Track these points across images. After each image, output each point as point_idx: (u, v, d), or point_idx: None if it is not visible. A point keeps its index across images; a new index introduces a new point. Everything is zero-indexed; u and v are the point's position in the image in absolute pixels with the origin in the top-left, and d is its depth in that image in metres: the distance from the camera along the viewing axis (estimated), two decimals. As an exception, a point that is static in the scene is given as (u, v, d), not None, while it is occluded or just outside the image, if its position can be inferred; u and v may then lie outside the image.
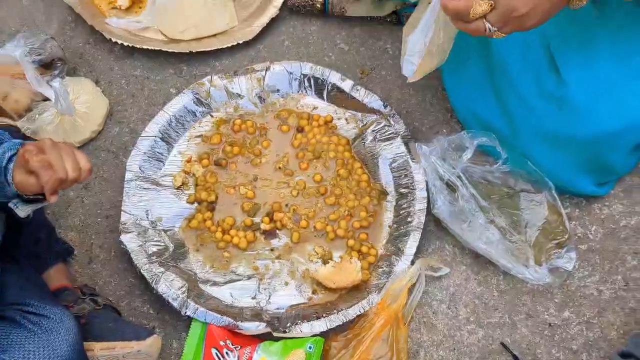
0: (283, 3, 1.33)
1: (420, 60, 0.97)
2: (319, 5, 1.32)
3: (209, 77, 1.24)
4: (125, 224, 1.10)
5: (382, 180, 1.17)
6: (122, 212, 1.11)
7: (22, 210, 0.84)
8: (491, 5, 0.79)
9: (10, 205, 0.83)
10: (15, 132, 1.15)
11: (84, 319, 0.98)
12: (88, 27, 1.33)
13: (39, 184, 0.76)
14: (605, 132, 0.99)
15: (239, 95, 1.24)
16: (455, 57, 1.01)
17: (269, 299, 1.08)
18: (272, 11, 1.32)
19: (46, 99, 1.21)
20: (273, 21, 1.32)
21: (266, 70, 1.24)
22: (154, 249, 1.09)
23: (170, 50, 1.29)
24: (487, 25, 0.81)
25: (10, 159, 0.80)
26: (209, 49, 1.29)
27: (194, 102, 1.22)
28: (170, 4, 1.30)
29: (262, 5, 1.34)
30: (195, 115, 1.23)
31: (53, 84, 1.11)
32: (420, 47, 0.95)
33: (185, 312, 1.03)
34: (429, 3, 0.91)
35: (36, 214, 0.89)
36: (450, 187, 1.09)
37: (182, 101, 1.22)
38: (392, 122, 1.18)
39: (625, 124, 0.98)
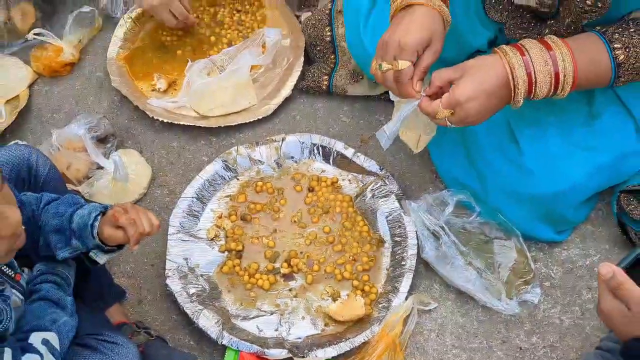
0: (294, 85, 1.60)
1: (393, 137, 1.23)
2: (324, 87, 1.59)
3: (235, 147, 1.50)
4: (169, 270, 1.34)
5: (380, 231, 1.41)
6: (166, 261, 1.35)
7: (101, 259, 1.08)
8: (451, 112, 1.08)
9: (91, 254, 1.07)
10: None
11: (141, 347, 1.20)
12: (132, 107, 1.60)
13: (125, 237, 1.01)
14: (555, 191, 1.24)
15: (260, 162, 1.50)
16: (438, 130, 1.28)
17: (289, 330, 1.31)
18: (285, 92, 1.59)
19: (100, 168, 1.47)
20: (287, 100, 1.59)
21: (282, 140, 1.51)
22: (194, 290, 1.32)
23: (202, 125, 1.55)
24: (448, 122, 1.10)
25: (95, 218, 1.04)
26: (234, 124, 1.56)
27: (223, 168, 1.48)
28: (202, 87, 1.57)
29: (277, 87, 1.61)
30: (224, 179, 1.48)
31: (114, 157, 1.37)
32: (397, 127, 1.21)
33: (221, 342, 1.26)
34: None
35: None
36: (436, 236, 1.33)
37: (213, 168, 1.47)
38: (387, 183, 1.43)
39: (569, 185, 1.24)
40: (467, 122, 1.10)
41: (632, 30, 1.09)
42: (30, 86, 1.67)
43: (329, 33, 1.59)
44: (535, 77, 1.09)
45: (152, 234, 1.05)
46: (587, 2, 1.09)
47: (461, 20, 1.29)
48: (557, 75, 1.10)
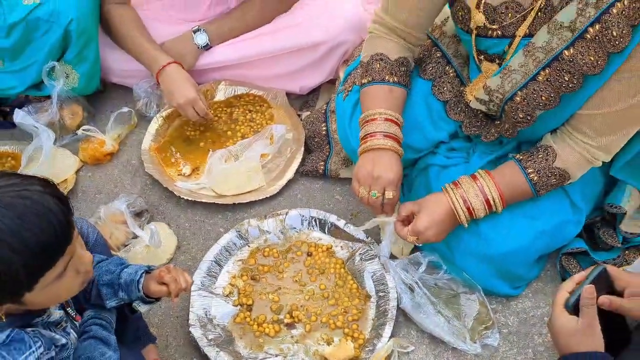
0: (296, 170, 1.94)
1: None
2: (321, 171, 1.93)
3: (247, 220, 1.81)
4: (192, 320, 1.61)
5: (367, 288, 1.69)
6: (190, 312, 1.62)
7: (142, 308, 1.37)
8: (417, 238, 1.46)
9: (134, 305, 1.37)
10: (117, 259, 1.70)
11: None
12: (162, 188, 1.93)
13: (167, 291, 1.30)
14: (506, 252, 1.54)
15: (268, 232, 1.81)
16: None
17: (291, 370, 1.57)
18: (289, 175, 1.93)
19: (136, 237, 1.78)
20: (290, 182, 1.92)
21: (286, 214, 1.82)
22: (212, 336, 1.59)
23: (219, 202, 1.88)
24: (416, 242, 1.50)
25: (141, 275, 1.34)
26: (246, 201, 1.88)
27: (237, 237, 1.79)
28: (220, 172, 1.91)
29: (282, 171, 1.95)
30: (238, 246, 1.78)
31: (150, 227, 1.69)
32: (388, 248, 1.65)
33: (235, 378, 1.52)
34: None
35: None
36: (411, 290, 1.61)
37: (229, 237, 1.78)
38: (372, 248, 1.73)
39: (517, 246, 1.54)
40: (430, 242, 1.49)
41: (540, 156, 1.46)
42: (77, 172, 2.01)
43: (324, 128, 1.95)
44: (472, 206, 1.47)
45: (187, 290, 1.35)
46: (520, 115, 1.43)
47: (426, 120, 1.65)
48: (487, 201, 1.48)
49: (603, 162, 1.45)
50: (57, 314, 1.21)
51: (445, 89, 1.63)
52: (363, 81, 1.56)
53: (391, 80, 1.53)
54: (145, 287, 1.34)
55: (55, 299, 1.16)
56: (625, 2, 1.21)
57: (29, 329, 1.13)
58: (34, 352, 1.10)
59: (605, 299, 1.18)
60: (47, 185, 1.07)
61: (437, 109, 1.66)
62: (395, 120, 1.51)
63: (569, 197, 1.58)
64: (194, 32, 2.06)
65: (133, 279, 1.34)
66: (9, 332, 1.09)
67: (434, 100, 1.65)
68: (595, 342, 1.15)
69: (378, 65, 1.53)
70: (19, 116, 1.97)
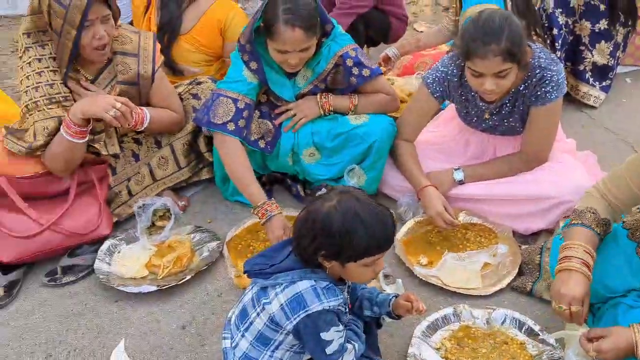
0: (507, 283, 2.48)
1: None
2: (528, 289, 2.44)
3: (463, 304, 2.37)
4: (409, 355, 2.17)
5: (548, 379, 2.10)
6: (409, 347, 2.18)
7: (385, 322, 2.00)
8: (597, 354, 1.91)
9: (381, 319, 2.01)
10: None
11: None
12: (405, 267, 2.59)
13: (410, 308, 1.95)
14: None
15: (476, 318, 2.34)
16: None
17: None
18: (500, 285, 2.47)
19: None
20: (500, 290, 2.46)
21: (493, 310, 2.34)
22: (421, 370, 2.12)
23: (445, 288, 2.48)
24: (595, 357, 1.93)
25: (393, 296, 1.99)
26: (464, 293, 2.45)
27: (452, 314, 2.34)
28: (450, 268, 2.52)
29: (497, 281, 2.50)
30: (451, 320, 2.33)
31: (398, 280, 2.34)
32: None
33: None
34: None
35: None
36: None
37: (446, 311, 2.34)
38: (559, 352, 2.16)
39: None
40: None
41: None
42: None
43: (538, 258, 2.50)
44: None
45: (421, 312, 1.96)
46: None
47: (626, 269, 2.12)
48: None
49: None
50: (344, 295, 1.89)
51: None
52: (573, 222, 2.11)
53: (597, 231, 2.06)
54: (394, 306, 1.98)
55: (356, 277, 1.84)
56: None
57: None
58: (338, 300, 1.78)
59: None
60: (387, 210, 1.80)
61: (637, 264, 2.13)
62: (590, 253, 2.01)
63: None
64: (455, 170, 2.82)
65: (386, 298, 2.00)
66: (329, 282, 1.79)
67: (635, 258, 2.13)
68: None
69: (589, 215, 2.08)
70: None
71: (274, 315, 1.78)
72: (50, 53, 2.68)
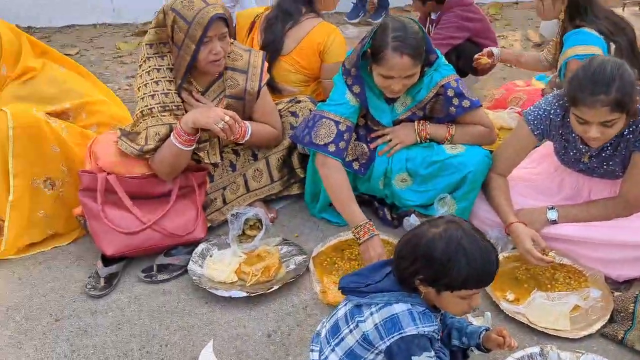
0: (597, 329, 2.43)
1: None
2: (620, 338, 2.39)
3: (551, 345, 2.34)
4: (492, 389, 2.16)
5: None
6: (492, 383, 2.18)
7: (473, 353, 2.00)
8: None
9: (469, 351, 2.02)
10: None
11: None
12: (492, 300, 2.58)
13: (502, 343, 1.95)
14: None
15: (563, 361, 2.31)
16: None
17: None
18: (590, 331, 2.42)
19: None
20: (589, 335, 2.41)
21: (582, 354, 2.30)
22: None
23: (530, 326, 2.45)
24: None
25: (484, 329, 2.00)
26: (551, 334, 2.42)
27: (538, 354, 2.32)
28: (538, 306, 2.50)
29: (586, 326, 2.45)
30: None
31: (486, 314, 2.35)
32: None
33: None
34: None
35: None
36: None
37: (531, 350, 2.32)
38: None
39: None
40: None
41: None
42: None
43: (632, 307, 2.43)
44: None
45: (512, 348, 1.96)
46: None
47: None
48: None
49: None
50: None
51: None
52: None
53: None
54: (484, 339, 1.98)
55: (450, 307, 1.86)
56: None
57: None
58: (433, 326, 1.81)
59: None
60: (492, 246, 1.82)
61: None
62: None
63: None
64: (549, 209, 2.79)
65: (476, 330, 2.00)
66: (425, 307, 1.82)
67: None
68: None
69: None
70: (412, 219, 2.87)
71: (368, 333, 1.83)
72: (169, 64, 2.87)
